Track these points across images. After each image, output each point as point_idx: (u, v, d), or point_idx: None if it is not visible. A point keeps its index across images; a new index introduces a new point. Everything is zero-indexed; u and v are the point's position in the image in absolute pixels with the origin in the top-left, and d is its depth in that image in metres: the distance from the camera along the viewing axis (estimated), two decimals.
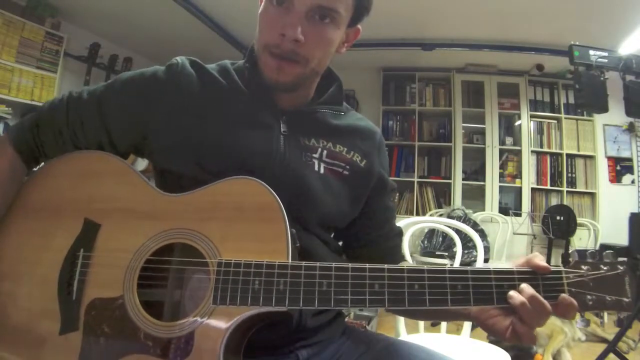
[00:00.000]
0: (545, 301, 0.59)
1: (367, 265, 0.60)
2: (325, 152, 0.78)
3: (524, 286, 0.60)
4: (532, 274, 0.61)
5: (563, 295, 0.59)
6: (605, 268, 0.62)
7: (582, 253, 0.64)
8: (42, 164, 0.79)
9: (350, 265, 0.60)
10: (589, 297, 0.61)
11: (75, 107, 0.77)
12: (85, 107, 0.77)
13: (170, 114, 0.73)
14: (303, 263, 0.60)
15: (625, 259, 0.63)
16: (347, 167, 0.79)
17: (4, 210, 0.72)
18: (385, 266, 0.60)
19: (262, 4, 0.73)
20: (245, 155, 0.72)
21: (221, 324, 0.59)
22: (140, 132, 0.75)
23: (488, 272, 0.60)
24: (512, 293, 0.59)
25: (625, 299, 0.60)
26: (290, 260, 0.60)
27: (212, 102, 0.75)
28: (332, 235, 0.83)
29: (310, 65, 0.72)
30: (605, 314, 3.32)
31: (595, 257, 0.63)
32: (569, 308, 0.59)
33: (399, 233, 0.90)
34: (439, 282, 0.59)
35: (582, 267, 0.62)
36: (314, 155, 0.77)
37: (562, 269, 0.62)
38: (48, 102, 0.80)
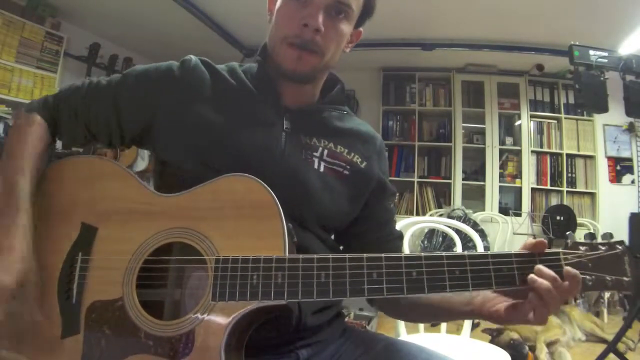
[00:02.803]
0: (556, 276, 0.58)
1: (365, 255, 0.60)
2: (326, 151, 0.80)
3: (540, 266, 0.60)
4: (530, 256, 0.61)
5: (567, 267, 0.59)
6: (603, 248, 0.62)
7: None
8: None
9: (347, 255, 0.60)
10: (588, 277, 0.60)
11: (93, 91, 0.79)
12: (101, 91, 0.79)
13: (179, 106, 0.76)
14: (300, 256, 0.60)
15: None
16: (348, 167, 0.80)
17: (37, 177, 0.71)
18: (383, 255, 0.60)
19: (279, 0, 0.77)
20: (247, 151, 0.74)
21: (221, 320, 0.59)
22: (148, 119, 0.77)
23: (485, 256, 0.61)
24: (531, 276, 0.59)
25: (626, 279, 0.60)
26: (287, 255, 0.60)
27: (220, 100, 0.77)
28: (332, 237, 0.84)
29: (325, 57, 0.76)
30: (605, 314, 3.33)
31: (593, 239, 0.63)
32: (573, 281, 0.59)
33: (399, 237, 0.90)
34: (437, 268, 0.59)
35: (580, 248, 0.62)
36: (315, 154, 0.79)
37: (560, 250, 0.62)
38: (68, 85, 0.82)
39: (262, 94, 0.79)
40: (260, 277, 0.59)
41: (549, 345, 2.45)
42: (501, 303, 0.65)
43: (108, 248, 0.67)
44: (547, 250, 0.62)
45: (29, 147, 0.72)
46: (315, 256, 0.60)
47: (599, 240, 0.66)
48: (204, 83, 0.78)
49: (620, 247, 0.61)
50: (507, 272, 0.60)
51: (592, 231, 3.86)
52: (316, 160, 0.78)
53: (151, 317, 0.62)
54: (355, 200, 0.82)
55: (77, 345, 0.63)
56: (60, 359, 0.63)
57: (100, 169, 0.73)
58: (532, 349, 2.38)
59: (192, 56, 0.82)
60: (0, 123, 3.06)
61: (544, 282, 0.58)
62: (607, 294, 3.26)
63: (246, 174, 0.65)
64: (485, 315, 0.67)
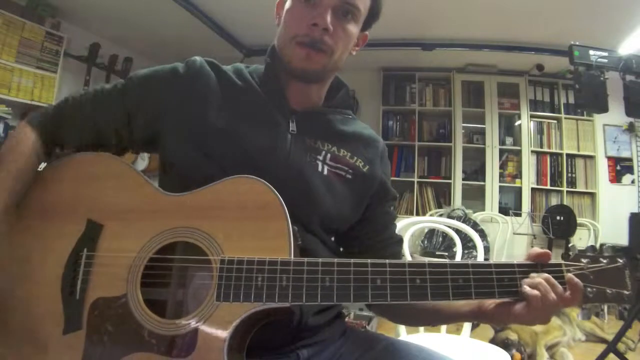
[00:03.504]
0: (556, 282, 0.60)
1: (369, 261, 0.61)
2: (329, 155, 0.80)
3: (533, 275, 0.61)
4: (532, 267, 0.62)
5: (568, 274, 0.61)
6: (605, 261, 0.63)
7: (582, 251, 0.65)
8: (44, 164, 0.79)
9: (352, 260, 0.61)
10: (589, 289, 0.61)
11: (100, 99, 0.79)
12: (108, 98, 0.79)
13: (186, 106, 0.76)
14: (305, 259, 0.60)
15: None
16: (350, 171, 0.81)
17: (22, 191, 0.72)
18: (387, 261, 0.61)
19: (288, 1, 0.78)
20: (252, 150, 0.74)
21: (224, 321, 0.59)
22: (157, 123, 0.77)
23: (489, 265, 0.62)
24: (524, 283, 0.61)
25: (626, 292, 0.61)
26: (292, 257, 0.60)
27: (227, 100, 0.78)
28: (332, 239, 0.84)
29: (334, 56, 0.77)
30: (606, 314, 3.33)
31: (595, 252, 0.64)
32: (575, 289, 0.60)
33: (399, 241, 0.90)
34: (441, 275, 0.60)
35: (582, 260, 0.63)
36: (318, 157, 0.79)
37: (562, 261, 0.63)
38: (71, 94, 0.82)
39: (269, 95, 0.80)
40: (265, 279, 0.60)
41: (550, 347, 2.45)
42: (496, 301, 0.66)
43: (113, 245, 0.67)
44: (550, 262, 0.63)
45: (15, 153, 0.73)
46: (320, 260, 0.61)
47: (600, 242, 0.67)
48: (210, 83, 0.78)
49: (621, 261, 0.63)
50: (509, 282, 0.61)
51: (592, 232, 3.87)
52: (320, 164, 0.79)
53: (155, 315, 0.62)
54: (358, 204, 0.82)
55: (79, 342, 0.63)
56: (62, 355, 0.63)
57: (106, 167, 0.74)
58: (532, 353, 2.39)
59: (197, 57, 0.82)
60: (0, 123, 3.06)
61: (534, 286, 0.60)
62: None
63: (252, 176, 0.65)
64: (486, 314, 0.67)
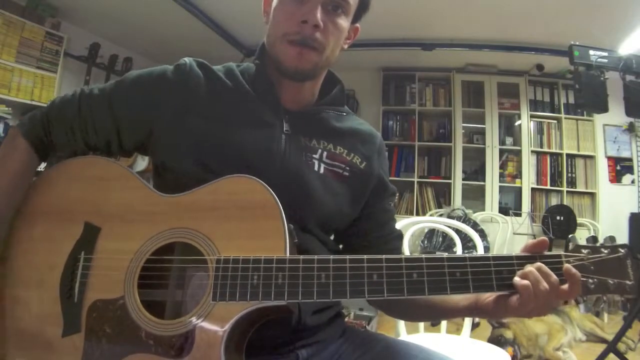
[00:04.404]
0: (551, 272, 0.59)
1: (365, 256, 0.60)
2: (325, 153, 0.79)
3: (527, 266, 0.60)
4: (531, 259, 0.61)
5: (566, 265, 0.59)
6: (605, 251, 0.62)
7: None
8: (44, 164, 0.79)
9: (348, 256, 0.60)
10: (590, 280, 0.60)
11: (87, 104, 0.78)
12: (96, 104, 0.78)
13: (176, 113, 0.75)
14: (301, 257, 0.60)
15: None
16: (347, 168, 0.80)
17: (18, 201, 0.72)
18: (384, 256, 0.60)
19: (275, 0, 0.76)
20: (247, 154, 0.73)
21: (221, 320, 0.59)
22: (147, 130, 0.77)
23: (487, 258, 0.61)
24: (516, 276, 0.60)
25: (628, 282, 0.60)
26: (288, 255, 0.60)
27: (218, 102, 0.76)
28: (331, 237, 0.84)
29: (325, 53, 0.75)
30: (605, 315, 3.33)
31: (595, 242, 0.64)
32: (572, 280, 0.59)
33: (399, 236, 0.90)
34: (438, 270, 0.60)
35: (583, 251, 0.62)
36: (314, 155, 0.78)
37: (561, 252, 0.62)
38: (59, 97, 0.81)
39: (261, 95, 0.78)
40: (261, 278, 0.59)
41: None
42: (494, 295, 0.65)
43: (110, 247, 0.67)
44: (549, 253, 0.62)
45: (4, 167, 0.73)
46: (315, 257, 0.60)
47: (600, 242, 0.66)
48: (199, 86, 0.77)
49: (622, 251, 0.62)
50: (508, 274, 0.60)
51: (592, 232, 3.87)
52: (316, 162, 0.78)
53: (152, 316, 0.62)
54: (356, 201, 0.82)
55: (78, 344, 0.63)
56: (61, 357, 0.63)
57: (104, 169, 0.74)
58: (529, 356, 2.39)
59: (186, 59, 0.80)
60: (0, 123, 3.06)
61: (525, 277, 0.60)
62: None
63: (247, 175, 0.65)
64: (483, 308, 0.67)
